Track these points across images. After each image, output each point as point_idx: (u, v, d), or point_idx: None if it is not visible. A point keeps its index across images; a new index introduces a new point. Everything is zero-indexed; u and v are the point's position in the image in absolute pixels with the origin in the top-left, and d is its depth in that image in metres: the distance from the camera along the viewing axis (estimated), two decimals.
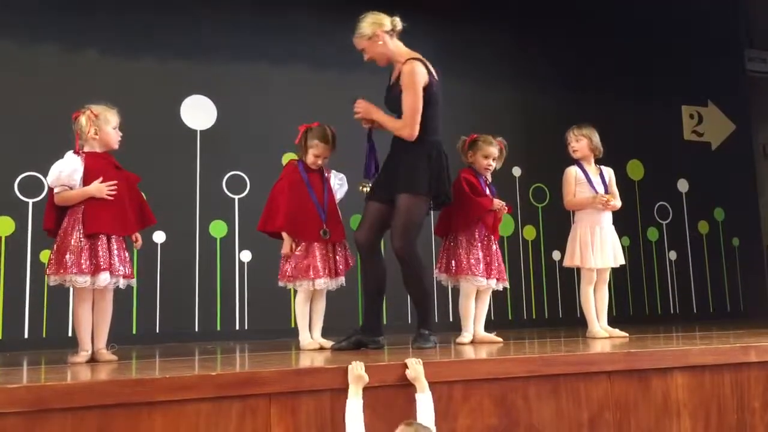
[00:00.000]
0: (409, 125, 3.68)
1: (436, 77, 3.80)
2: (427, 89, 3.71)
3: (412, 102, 3.66)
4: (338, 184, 4.19)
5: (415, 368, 2.55)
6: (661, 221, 7.63)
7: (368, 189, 3.83)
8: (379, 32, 3.77)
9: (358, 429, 2.35)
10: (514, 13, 7.25)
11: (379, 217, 3.75)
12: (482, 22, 7.05)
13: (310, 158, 4.10)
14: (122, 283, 3.48)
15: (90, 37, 5.72)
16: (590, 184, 4.42)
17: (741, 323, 5.81)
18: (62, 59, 5.66)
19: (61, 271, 3.32)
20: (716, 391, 3.01)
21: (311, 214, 3.99)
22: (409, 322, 6.35)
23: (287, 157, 5.05)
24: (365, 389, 2.45)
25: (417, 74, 3.68)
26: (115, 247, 3.46)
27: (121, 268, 3.46)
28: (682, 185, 7.76)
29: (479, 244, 4.12)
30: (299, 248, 3.99)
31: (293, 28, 6.34)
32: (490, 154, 4.24)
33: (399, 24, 3.83)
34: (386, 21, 3.80)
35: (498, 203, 4.14)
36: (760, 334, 3.97)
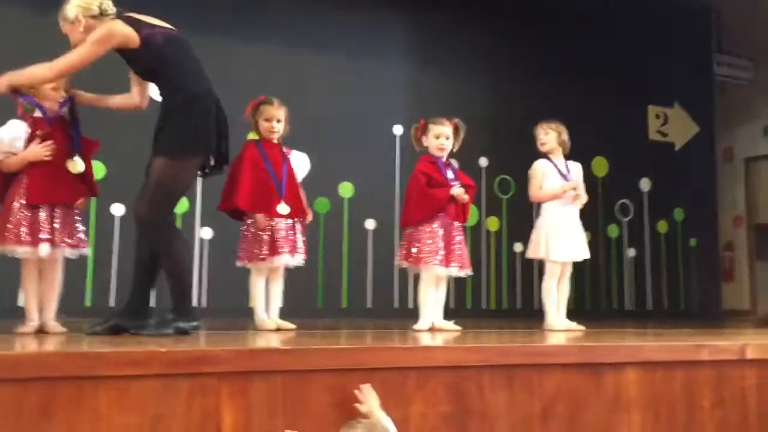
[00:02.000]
0: (52, 65, 3.22)
1: (166, 28, 3.40)
2: (145, 44, 3.26)
3: (77, 54, 3.22)
4: (299, 162, 4.14)
5: (369, 399, 2.42)
6: (622, 219, 7.72)
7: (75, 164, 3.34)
8: (82, 16, 3.28)
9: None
10: (487, 7, 7.25)
11: None
12: (455, 14, 7.04)
13: (263, 127, 4.06)
14: (69, 253, 3.37)
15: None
16: (561, 176, 4.45)
17: (694, 323, 5.92)
18: (32, 23, 5.49)
19: (1, 241, 3.23)
20: (667, 388, 3.04)
21: (269, 189, 3.94)
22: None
23: (252, 135, 4.97)
24: (297, 372, 2.40)
25: (105, 32, 3.20)
26: (58, 216, 3.32)
27: (67, 238, 3.33)
28: (645, 184, 7.87)
29: (441, 232, 4.09)
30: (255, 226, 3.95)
31: (263, 3, 6.25)
32: (441, 133, 4.15)
33: (110, 7, 3.34)
34: (93, 4, 3.31)
35: (456, 192, 4.10)
36: (712, 334, 4.04)
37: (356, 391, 2.43)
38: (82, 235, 3.44)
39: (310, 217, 4.16)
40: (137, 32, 3.27)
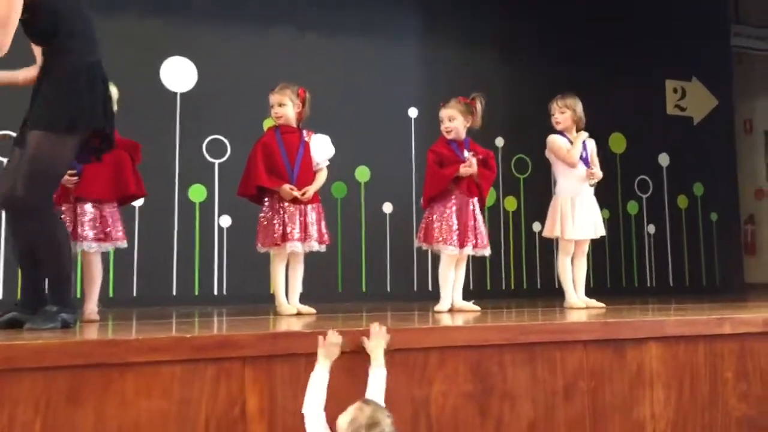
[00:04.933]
0: None
1: None
2: None
3: (3, 9, 2.72)
4: (318, 145, 4.13)
5: (377, 338, 2.46)
6: (641, 195, 7.67)
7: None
8: None
9: (319, 399, 2.30)
10: None
11: None
12: None
13: (272, 114, 4.11)
14: (88, 246, 3.52)
15: None
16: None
17: (716, 297, 5.88)
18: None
19: None
20: (690, 362, 3.04)
21: (280, 173, 3.95)
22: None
23: (268, 122, 5.00)
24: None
25: None
26: (81, 212, 3.52)
27: (90, 233, 3.52)
28: (663, 159, 7.79)
29: (453, 211, 4.10)
30: (269, 211, 3.97)
31: None
32: (444, 116, 4.21)
33: None
34: None
35: (464, 170, 4.09)
36: (734, 307, 4.02)
37: (371, 326, 2.47)
38: (105, 230, 3.62)
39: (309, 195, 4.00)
40: None
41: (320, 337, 2.39)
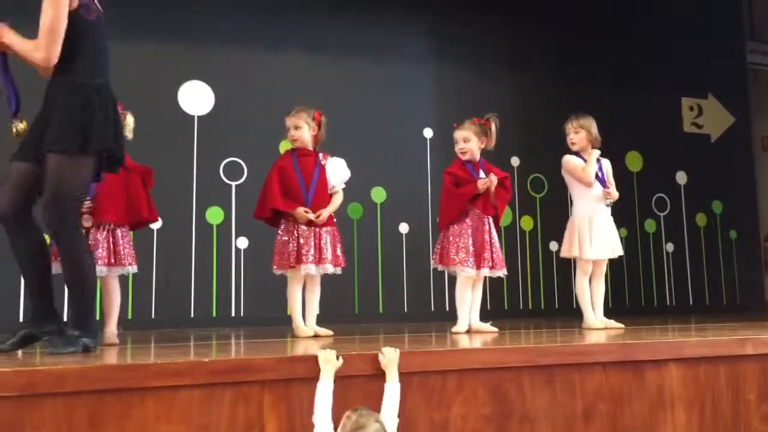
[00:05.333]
0: (42, 47, 2.80)
1: (96, 3, 3.02)
2: (79, 12, 2.88)
3: (50, 17, 2.78)
4: (334, 168, 4.15)
5: (390, 356, 2.49)
6: (659, 213, 7.62)
7: (23, 126, 2.94)
8: None
9: (325, 413, 2.31)
10: (514, 2, 7.21)
11: (25, 179, 2.88)
12: (481, 9, 7.01)
13: (288, 137, 4.15)
14: (99, 270, 3.50)
15: None
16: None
17: (736, 316, 5.81)
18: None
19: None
20: (711, 384, 3.00)
21: (296, 196, 3.98)
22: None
23: (284, 144, 5.03)
24: (338, 378, 2.41)
25: None
26: (93, 235, 3.57)
27: (101, 257, 3.57)
28: (681, 177, 7.75)
29: (469, 232, 4.10)
30: (284, 234, 3.99)
31: (290, 11, 6.31)
32: (458, 138, 4.23)
33: None
34: None
35: (482, 184, 4.10)
36: (756, 327, 3.97)
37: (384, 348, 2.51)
38: (116, 254, 3.67)
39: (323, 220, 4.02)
40: None
41: (319, 353, 2.44)
